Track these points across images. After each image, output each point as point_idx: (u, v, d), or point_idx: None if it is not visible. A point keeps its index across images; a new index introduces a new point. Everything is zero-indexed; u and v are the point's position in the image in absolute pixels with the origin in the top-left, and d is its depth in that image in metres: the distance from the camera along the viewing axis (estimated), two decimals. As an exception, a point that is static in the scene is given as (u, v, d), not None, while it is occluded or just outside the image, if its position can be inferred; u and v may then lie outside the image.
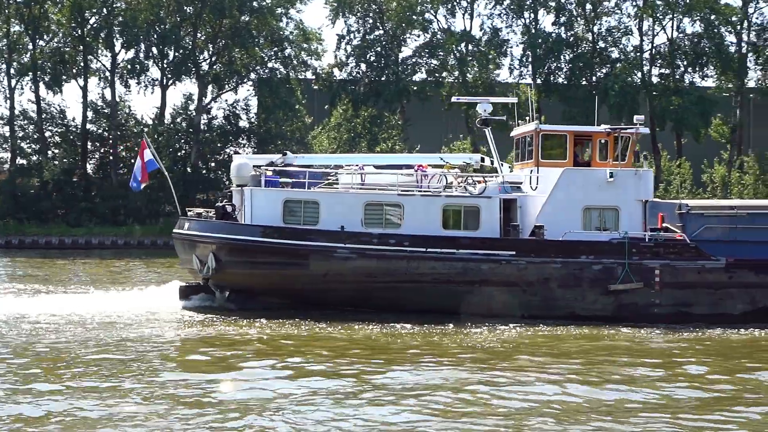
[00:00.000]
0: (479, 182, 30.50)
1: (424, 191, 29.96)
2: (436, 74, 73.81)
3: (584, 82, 72.48)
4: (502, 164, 32.12)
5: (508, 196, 29.89)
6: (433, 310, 28.63)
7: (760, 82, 73.52)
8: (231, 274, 29.83)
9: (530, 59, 72.80)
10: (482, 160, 33.86)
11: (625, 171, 29.98)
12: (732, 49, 71.15)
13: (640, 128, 30.58)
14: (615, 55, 73.01)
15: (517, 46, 74.96)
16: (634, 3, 72.78)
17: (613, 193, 29.61)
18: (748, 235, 29.62)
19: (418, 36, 74.21)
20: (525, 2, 72.81)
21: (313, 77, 75.26)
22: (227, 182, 34.85)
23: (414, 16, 72.73)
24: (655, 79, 72.51)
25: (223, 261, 29.59)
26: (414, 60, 74.12)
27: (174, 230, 32.86)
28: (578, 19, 73.69)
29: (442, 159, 34.05)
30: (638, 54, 72.38)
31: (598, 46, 72.67)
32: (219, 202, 33.59)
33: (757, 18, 71.45)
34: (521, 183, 30.59)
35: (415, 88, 73.65)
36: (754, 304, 29.08)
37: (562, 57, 72.79)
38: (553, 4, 73.14)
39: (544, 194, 29.87)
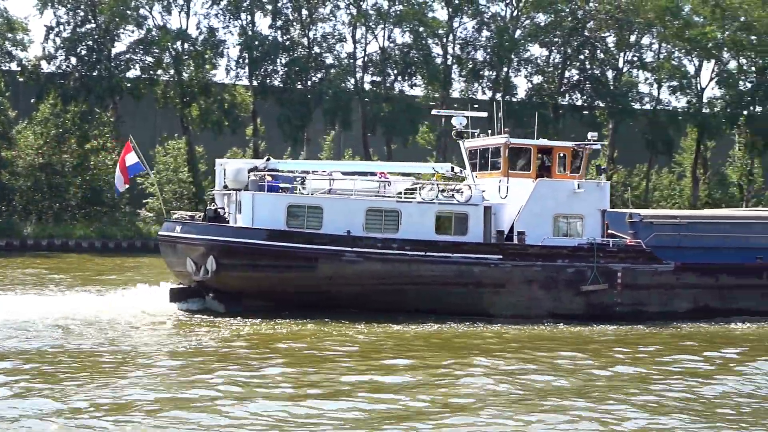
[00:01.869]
0: (458, 191, 32.14)
1: (420, 199, 31.64)
2: (151, 71, 72.18)
3: (300, 86, 73.58)
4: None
5: (487, 203, 31.86)
6: (429, 310, 30.27)
7: (463, 92, 77.90)
8: (232, 276, 30.12)
9: (246, 61, 72.93)
10: (452, 169, 35.17)
11: (589, 183, 33.19)
12: (438, 60, 74.88)
13: (594, 144, 33.63)
14: (329, 60, 74.69)
15: (234, 47, 74.93)
16: (348, 11, 74.86)
17: (578, 203, 32.30)
18: (690, 242, 33.01)
19: (132, 31, 72.27)
20: (242, 4, 72.85)
21: (19, 69, 71.23)
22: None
23: (128, 11, 70.71)
24: (367, 86, 74.93)
25: (225, 264, 29.82)
26: (128, 56, 72.04)
27: (161, 233, 32.71)
28: (294, 23, 74.72)
29: (434, 169, 35.48)
30: (352, 61, 74.49)
31: (313, 51, 74.02)
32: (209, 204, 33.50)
33: (461, 32, 75.77)
34: (484, 191, 32.46)
35: (128, 84, 71.67)
36: (696, 303, 32.51)
37: (278, 60, 73.45)
38: (270, 7, 73.66)
39: (514, 202, 32.07)
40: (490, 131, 34.74)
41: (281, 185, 31.44)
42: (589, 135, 34.16)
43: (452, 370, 22.31)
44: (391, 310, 30.13)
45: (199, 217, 32.74)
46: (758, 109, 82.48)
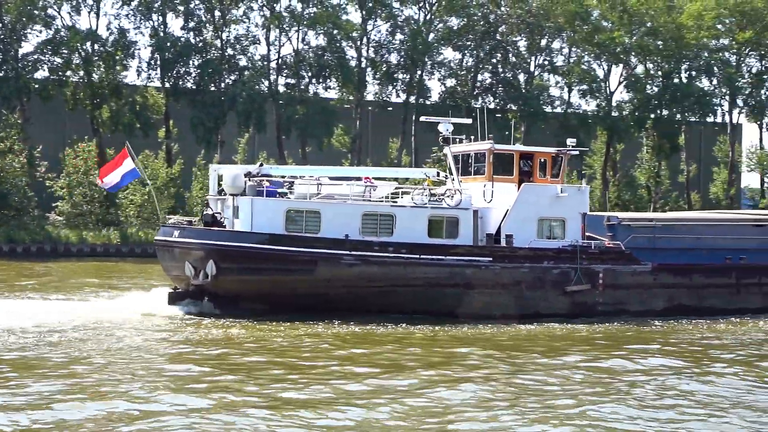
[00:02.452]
0: (448, 195, 32.77)
1: (413, 203, 32.31)
2: (60, 72, 70.76)
3: (213, 88, 72.95)
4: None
5: (475, 207, 32.65)
6: (424, 312, 31.11)
7: (377, 95, 78.22)
8: (232, 280, 30.45)
9: (158, 62, 72.02)
10: (438, 174, 35.70)
11: (571, 188, 34.24)
12: (353, 63, 75.04)
13: (573, 150, 35.02)
14: (243, 62, 74.24)
15: (146, 48, 73.93)
16: (261, 13, 74.50)
17: (561, 207, 33.25)
18: (664, 243, 34.77)
19: (40, 32, 70.77)
20: (153, 4, 71.94)
21: None
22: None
23: (35, 11, 69.23)
24: (281, 88, 74.68)
25: (225, 268, 30.12)
26: (35, 56, 70.50)
27: (157, 237, 32.97)
28: (207, 25, 74.08)
29: (426, 174, 36.16)
30: (265, 63, 74.14)
31: (226, 53, 73.47)
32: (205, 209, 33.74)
33: (375, 35, 76.04)
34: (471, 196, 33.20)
35: (36, 86, 70.13)
36: (671, 301, 34.09)
37: (191, 62, 72.72)
38: (182, 8, 72.90)
39: (498, 206, 32.97)
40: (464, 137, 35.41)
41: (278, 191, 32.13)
42: (568, 141, 35.29)
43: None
44: (386, 311, 30.75)
45: (197, 222, 33.16)
46: (665, 112, 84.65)
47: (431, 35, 77.16)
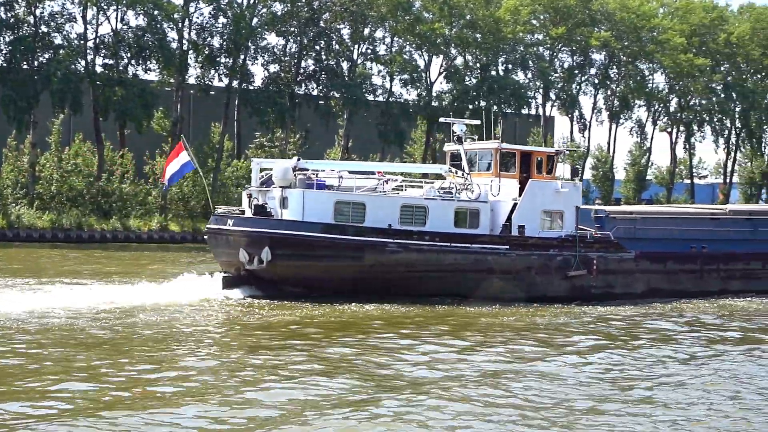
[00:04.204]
0: (466, 189, 35.77)
1: (442, 196, 35.23)
2: None
3: (26, 66, 69.90)
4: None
5: (491, 200, 35.89)
6: (452, 294, 34.03)
7: (199, 78, 76.99)
8: (286, 266, 32.78)
9: (-33, 38, 68.43)
10: (449, 170, 37.56)
11: (568, 183, 37.91)
12: (174, 45, 73.55)
13: (567, 150, 40.58)
14: (58, 41, 71.39)
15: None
16: (78, -10, 71.81)
17: (560, 200, 36.87)
18: (643, 234, 38.96)
19: None
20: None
21: None
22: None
23: None
24: (99, 69, 72.29)
25: (280, 254, 32.42)
26: None
27: (209, 226, 35.19)
28: (19, 0, 70.82)
29: (450, 170, 37.59)
30: (82, 42, 71.63)
31: (40, 30, 70.49)
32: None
33: (197, 17, 74.73)
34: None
35: None
36: (649, 285, 38.11)
37: (1, 38, 69.42)
38: (-8, -19, 69.47)
39: (505, 199, 36.18)
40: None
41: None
42: (561, 142, 38.22)
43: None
44: (421, 294, 33.52)
45: (240, 211, 35.34)
46: (482, 103, 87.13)
47: (255, 20, 76.55)
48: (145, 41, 71.54)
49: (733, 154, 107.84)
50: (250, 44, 76.18)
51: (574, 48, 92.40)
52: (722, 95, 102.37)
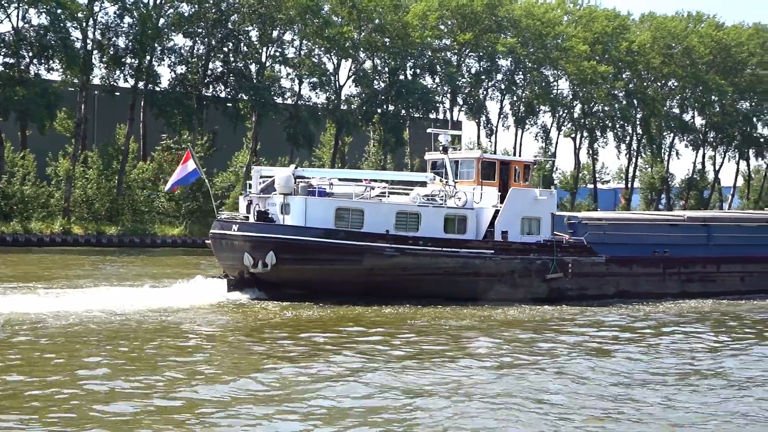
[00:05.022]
0: (453, 196, 37.50)
1: (433, 203, 36.97)
2: None
3: None
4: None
5: (475, 207, 37.65)
6: (442, 296, 35.39)
7: (104, 79, 75.67)
8: (289, 269, 34.19)
9: None
10: (433, 179, 39.46)
11: (545, 191, 40.50)
12: (78, 44, 72.11)
13: (542, 161, 44.91)
14: (-44, 38, 69.39)
15: None
16: (-23, -13, 69.91)
17: (538, 207, 38.73)
18: (611, 239, 40.83)
19: None
20: None
21: None
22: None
23: None
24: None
25: (284, 258, 33.87)
26: None
27: (214, 231, 36.52)
28: None
29: (434, 178, 39.55)
30: (-18, 40, 69.72)
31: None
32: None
33: (102, 17, 73.44)
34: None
35: None
36: (618, 287, 40.15)
37: None
38: None
39: (487, 206, 37.92)
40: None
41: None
42: (537, 153, 42.20)
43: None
44: (415, 296, 34.99)
45: (244, 217, 36.37)
46: (391, 107, 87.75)
47: (161, 20, 75.63)
48: (47, 40, 69.96)
49: (634, 159, 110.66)
50: (156, 45, 75.21)
51: (481, 54, 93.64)
52: (624, 102, 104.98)
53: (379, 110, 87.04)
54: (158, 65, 77.30)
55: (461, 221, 37.13)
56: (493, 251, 37.16)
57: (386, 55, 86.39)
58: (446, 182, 38.74)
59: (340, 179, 39.02)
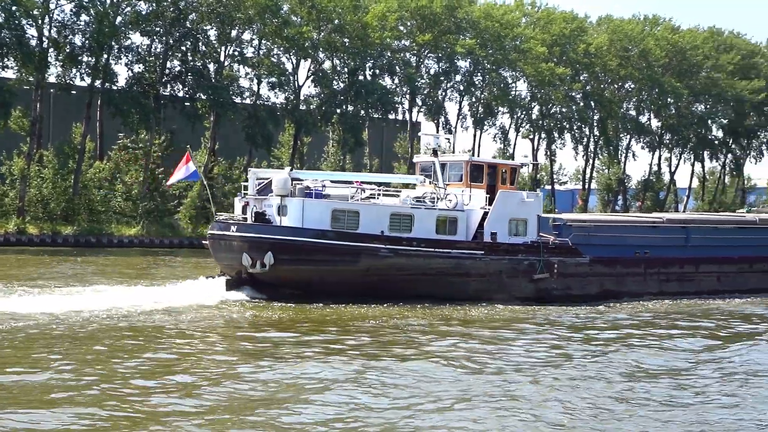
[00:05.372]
0: (444, 198, 38.44)
1: (425, 205, 37.81)
2: None
3: None
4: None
5: (465, 209, 38.53)
6: (434, 296, 36.09)
7: (60, 77, 74.82)
8: (287, 269, 34.82)
9: None
10: (423, 181, 40.34)
11: (531, 193, 41.30)
12: (33, 42, 71.24)
13: (528, 164, 45.88)
14: None
15: None
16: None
17: (525, 209, 39.85)
18: (595, 240, 42.03)
19: None
20: None
21: None
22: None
23: None
24: (-49, 65, 69.42)
25: (282, 258, 34.50)
26: None
27: (212, 231, 36.96)
28: None
29: (424, 181, 40.44)
30: (-66, 37, 68.60)
31: None
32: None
33: (58, 14, 72.58)
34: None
35: None
36: (601, 287, 41.29)
37: None
38: None
39: (476, 208, 38.84)
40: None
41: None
42: (522, 157, 43.54)
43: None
44: (409, 296, 35.57)
45: (244, 218, 36.80)
46: (350, 108, 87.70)
47: (119, 18, 74.92)
48: (2, 38, 69.03)
49: (591, 161, 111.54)
50: (113, 43, 74.47)
51: (440, 55, 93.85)
52: (581, 104, 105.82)
53: (338, 110, 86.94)
54: (115, 64, 76.69)
55: (452, 223, 38.00)
56: (483, 252, 38.07)
57: (345, 56, 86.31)
58: (436, 185, 39.64)
59: (332, 181, 39.69)
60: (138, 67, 77.50)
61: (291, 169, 38.71)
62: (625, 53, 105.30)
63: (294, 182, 36.72)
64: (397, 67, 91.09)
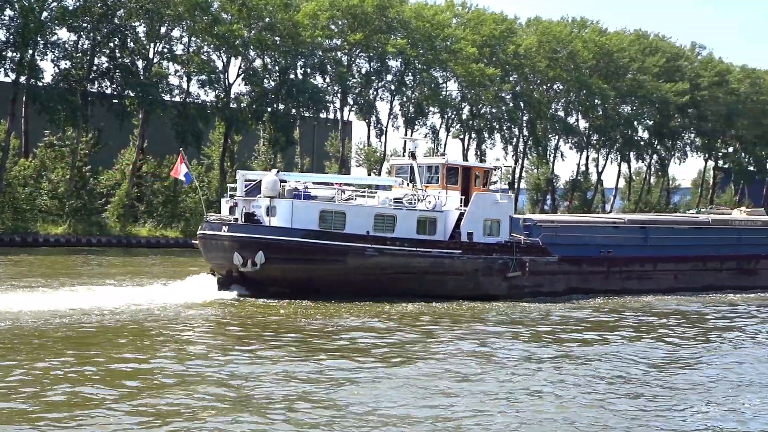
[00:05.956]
0: (423, 200, 39.92)
1: (408, 207, 39.18)
2: None
3: None
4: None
5: (443, 209, 40.02)
6: (416, 294, 37.47)
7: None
8: (277, 268, 35.99)
9: None
10: (401, 183, 42.11)
11: (504, 195, 42.37)
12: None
13: (501, 167, 47.70)
14: None
15: None
16: None
17: (498, 210, 41.49)
18: (563, 240, 44.05)
19: None
20: None
21: None
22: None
23: None
24: None
25: (273, 258, 35.66)
26: None
27: (203, 231, 38.06)
28: None
29: (402, 183, 42.18)
30: None
31: None
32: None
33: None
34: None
35: None
36: (568, 284, 43.23)
37: None
38: None
39: (451, 209, 40.35)
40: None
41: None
42: (495, 160, 46.03)
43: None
44: (391, 294, 36.81)
45: (235, 219, 37.73)
46: (281, 106, 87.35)
47: (45, 13, 73.53)
48: None
49: (520, 161, 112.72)
50: (39, 39, 73.04)
51: (371, 54, 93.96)
52: (511, 104, 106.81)
53: (269, 109, 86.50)
54: (41, 60, 75.05)
55: (432, 223, 39.53)
56: (460, 251, 39.66)
57: (277, 54, 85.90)
58: (414, 186, 41.47)
59: (314, 183, 41.07)
60: (65, 64, 76.16)
61: (278, 172, 39.80)
62: (554, 55, 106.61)
63: (282, 184, 37.82)
64: (328, 66, 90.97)
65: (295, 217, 36.84)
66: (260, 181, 38.33)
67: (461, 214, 40.52)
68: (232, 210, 38.57)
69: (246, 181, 39.00)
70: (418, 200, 40.04)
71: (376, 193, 41.74)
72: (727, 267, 50.97)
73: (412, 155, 42.81)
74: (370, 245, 37.49)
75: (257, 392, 19.09)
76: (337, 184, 41.55)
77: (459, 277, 39.56)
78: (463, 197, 41.41)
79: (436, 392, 19.73)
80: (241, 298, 35.66)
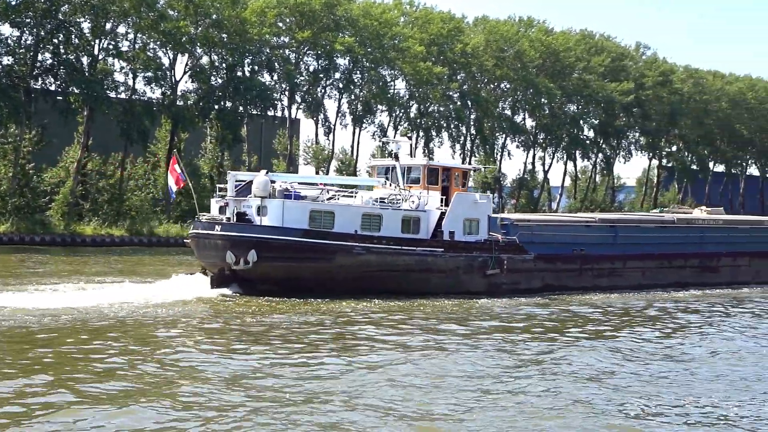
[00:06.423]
0: (407, 199, 41.16)
1: (393, 207, 40.45)
2: None
3: None
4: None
5: (425, 209, 41.31)
6: (400, 291, 38.70)
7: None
8: (269, 266, 36.86)
9: None
10: (385, 183, 43.47)
11: (483, 195, 44.71)
12: None
13: (479, 168, 52.58)
14: None
15: None
16: None
17: (478, 210, 42.97)
18: (538, 239, 45.57)
19: None
20: None
21: None
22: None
23: None
24: None
25: (265, 256, 36.56)
26: None
27: (195, 231, 38.97)
28: None
29: (385, 183, 43.47)
30: None
31: None
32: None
33: None
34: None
35: None
36: (544, 282, 44.80)
37: None
38: None
39: (433, 209, 41.57)
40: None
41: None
42: (473, 162, 46.35)
43: None
44: (378, 292, 37.83)
45: (228, 218, 38.62)
46: (228, 104, 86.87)
47: (-14, 8, 72.26)
48: None
49: (468, 159, 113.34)
50: (-19, 34, 71.80)
51: (319, 52, 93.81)
52: (458, 103, 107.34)
53: (216, 106, 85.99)
54: (-18, 55, 73.87)
55: (416, 222, 40.78)
56: (442, 250, 41.05)
57: (224, 51, 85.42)
58: (397, 186, 42.64)
59: (299, 183, 41.98)
60: (7, 59, 74.97)
61: (267, 172, 40.56)
62: (501, 54, 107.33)
63: (276, 184, 38.87)
64: (276, 64, 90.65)
65: (285, 217, 37.82)
66: (251, 181, 39.33)
67: (442, 214, 41.83)
68: (222, 210, 39.56)
69: (236, 181, 39.95)
70: (402, 200, 41.28)
71: (357, 193, 42.74)
72: (691, 264, 52.71)
73: (395, 156, 44.29)
74: (358, 244, 38.58)
75: (241, 390, 19.07)
76: (320, 184, 42.60)
77: (441, 275, 40.83)
78: (443, 197, 42.75)
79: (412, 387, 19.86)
80: (229, 298, 36.23)
